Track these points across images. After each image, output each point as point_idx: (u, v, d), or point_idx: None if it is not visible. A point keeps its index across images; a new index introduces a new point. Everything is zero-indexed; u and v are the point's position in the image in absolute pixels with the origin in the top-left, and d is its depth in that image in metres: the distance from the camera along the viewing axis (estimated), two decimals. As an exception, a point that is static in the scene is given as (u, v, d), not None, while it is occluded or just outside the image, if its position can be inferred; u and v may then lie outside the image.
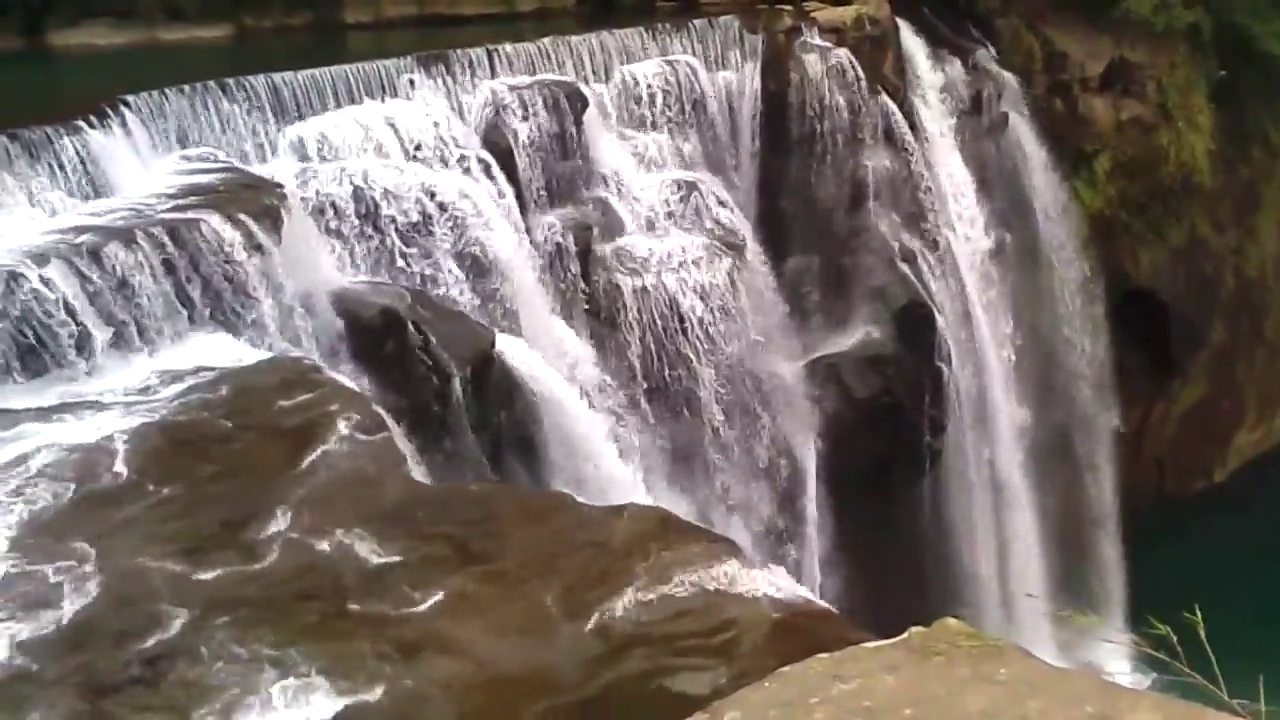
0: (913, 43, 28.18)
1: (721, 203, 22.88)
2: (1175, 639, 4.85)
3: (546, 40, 22.40)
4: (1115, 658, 21.99)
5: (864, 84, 25.31)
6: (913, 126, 26.92)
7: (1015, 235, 29.60)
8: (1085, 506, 32.15)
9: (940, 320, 26.45)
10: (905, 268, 26.00)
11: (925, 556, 27.02)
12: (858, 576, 24.07)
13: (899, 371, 25.72)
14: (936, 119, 28.38)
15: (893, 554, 25.64)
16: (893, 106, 26.32)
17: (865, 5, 26.47)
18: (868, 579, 24.00)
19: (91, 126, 15.76)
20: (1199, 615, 4.87)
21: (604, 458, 16.88)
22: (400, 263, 17.50)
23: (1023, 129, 30.09)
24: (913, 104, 27.43)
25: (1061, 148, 30.82)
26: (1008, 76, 29.94)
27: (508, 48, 21.52)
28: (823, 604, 9.13)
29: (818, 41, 25.19)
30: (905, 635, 5.45)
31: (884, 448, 25.60)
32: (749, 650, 8.00)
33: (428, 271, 17.61)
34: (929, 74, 28.56)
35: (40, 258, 12.86)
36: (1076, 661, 22.72)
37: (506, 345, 16.96)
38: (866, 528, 24.75)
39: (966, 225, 28.36)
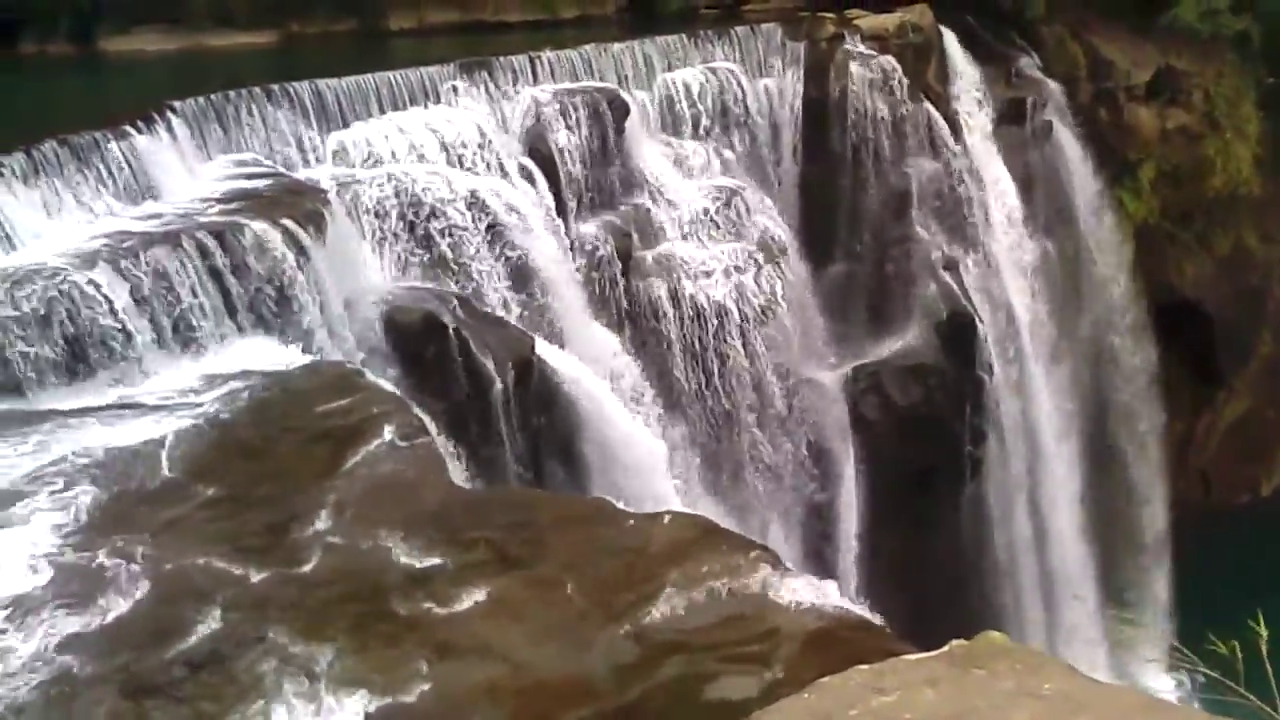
0: (956, 50, 28.01)
1: (762, 210, 22.86)
2: (1235, 656, 4.78)
3: (588, 47, 22.47)
4: (1161, 673, 21.75)
5: (907, 91, 25.20)
6: (956, 134, 26.75)
7: (1058, 244, 29.34)
8: (1129, 519, 31.79)
9: (982, 329, 26.26)
10: (947, 276, 25.84)
11: (965, 567, 26.80)
12: (896, 586, 23.89)
13: (940, 380, 25.54)
14: (980, 127, 28.19)
15: (932, 564, 25.45)
16: (936, 114, 26.19)
17: (909, 13, 26.37)
18: (907, 589, 23.83)
19: (139, 131, 15.94)
20: (1262, 628, 4.78)
21: (643, 464, 16.86)
22: (442, 268, 17.57)
23: (1066, 137, 29.83)
24: (956, 112, 27.26)
25: (1106, 156, 30.51)
26: (1052, 84, 29.69)
27: (550, 54, 21.62)
28: (862, 614, 9.06)
29: (861, 49, 25.11)
30: (946, 648, 5.40)
31: (924, 457, 25.42)
32: (787, 659, 7.96)
33: (469, 277, 17.68)
34: (972, 82, 28.37)
35: (88, 261, 13.03)
36: (1121, 677, 22.50)
37: (546, 351, 17.01)
38: (906, 537, 24.59)
39: (1009, 234, 28.12)
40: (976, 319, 26.16)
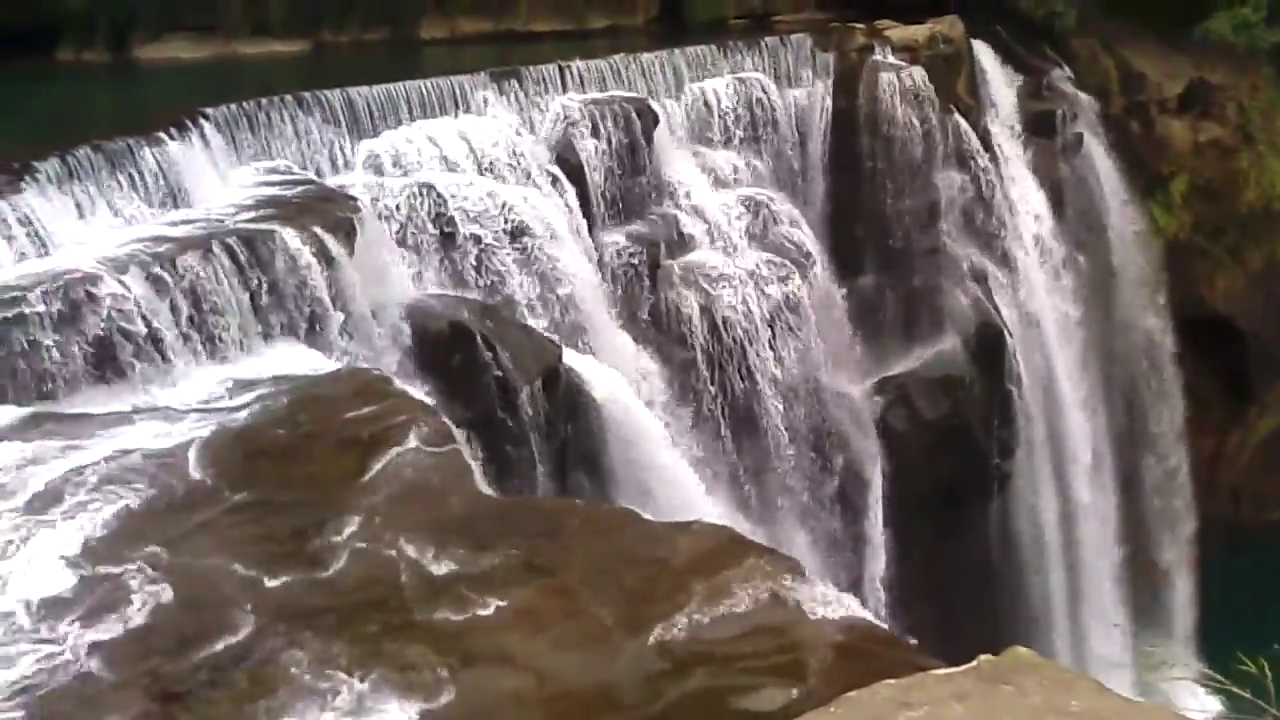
0: (987, 62, 27.95)
1: (791, 220, 22.84)
2: (1264, 674, 4.72)
3: (618, 57, 22.56)
4: (1188, 691, 21.51)
5: (937, 103, 25.12)
6: (986, 146, 26.66)
7: (1088, 257, 29.17)
8: (1158, 534, 31.52)
9: (1011, 341, 26.13)
10: (976, 288, 25.74)
11: (992, 582, 26.65)
12: (922, 600, 23.78)
13: (968, 393, 25.43)
14: (1010, 139, 28.11)
15: (959, 578, 25.31)
16: (966, 126, 26.11)
17: (939, 24, 26.30)
18: (933, 603, 23.71)
19: (171, 138, 16.09)
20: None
21: (669, 473, 16.85)
22: (470, 276, 17.65)
23: (1097, 150, 29.68)
24: (986, 124, 27.18)
25: (1137, 170, 30.35)
26: (1083, 97, 29.57)
27: (579, 64, 21.70)
28: (888, 628, 9.01)
29: (891, 60, 25.06)
30: (974, 663, 5.36)
31: (952, 470, 25.29)
32: (813, 673, 7.91)
33: (497, 285, 17.73)
34: (1003, 94, 28.31)
35: (120, 266, 13.14)
36: (1148, 694, 22.26)
37: (573, 359, 17.03)
38: (932, 551, 24.47)
39: (1039, 246, 28.00)
40: (1005, 331, 26.04)
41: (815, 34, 25.39)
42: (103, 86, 26.01)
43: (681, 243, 21.45)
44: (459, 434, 11.65)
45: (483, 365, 15.90)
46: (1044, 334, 27.72)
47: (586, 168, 20.18)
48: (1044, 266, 28.07)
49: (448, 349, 15.82)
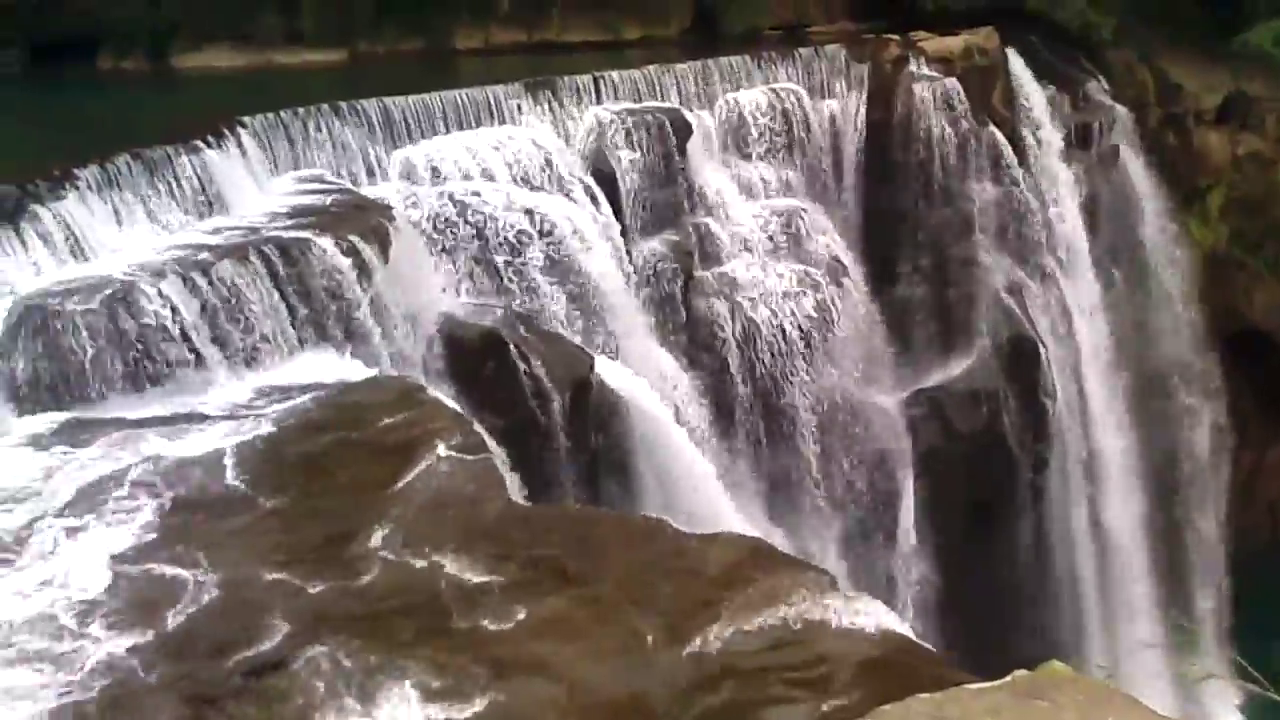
0: (1022, 74, 27.76)
1: (823, 231, 22.80)
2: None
3: (652, 67, 22.58)
4: (1224, 707, 21.30)
5: (971, 114, 25.01)
6: (1021, 158, 26.49)
7: (1124, 270, 28.93)
8: (1193, 551, 31.16)
9: (1045, 354, 25.94)
10: (1011, 300, 25.58)
11: (1024, 596, 26.42)
12: (954, 613, 23.63)
13: (1002, 406, 25.25)
14: (1045, 151, 27.90)
15: (991, 592, 25.13)
16: (1001, 137, 25.96)
17: (974, 35, 26.18)
18: (964, 616, 23.56)
19: (209, 146, 16.23)
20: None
21: (700, 484, 16.82)
22: (503, 285, 17.70)
23: (1134, 163, 29.44)
24: (1021, 135, 27.01)
25: (1174, 182, 30.04)
26: (1119, 109, 29.33)
27: (613, 74, 21.74)
28: (919, 641, 8.96)
29: (925, 71, 24.96)
30: (1009, 678, 5.33)
31: (985, 483, 25.12)
32: (844, 685, 7.88)
33: (530, 294, 17.78)
34: (1038, 105, 28.10)
35: (157, 272, 13.25)
36: (1183, 708, 22.07)
37: (605, 369, 17.04)
38: (964, 564, 24.30)
39: (1074, 259, 27.79)
40: (1040, 344, 25.86)
41: (850, 45, 25.32)
42: (142, 95, 26.28)
43: (714, 253, 21.44)
44: (491, 442, 11.66)
45: (515, 374, 15.94)
46: (1078, 347, 27.50)
47: (620, 178, 20.21)
48: (1079, 279, 27.87)
49: (480, 358, 15.88)
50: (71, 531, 9.89)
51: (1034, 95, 27.92)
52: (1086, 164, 28.36)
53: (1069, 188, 27.95)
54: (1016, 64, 27.46)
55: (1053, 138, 28.03)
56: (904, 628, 8.94)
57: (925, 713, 4.98)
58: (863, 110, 24.43)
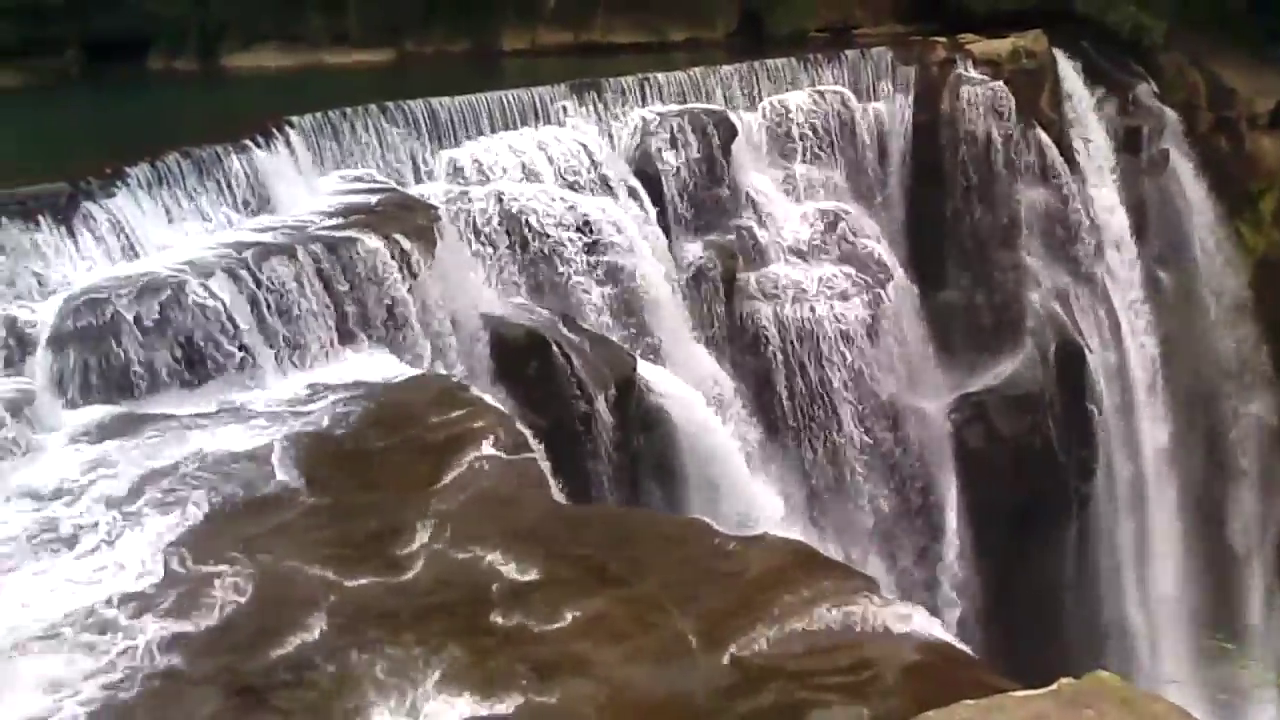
0: (1071, 77, 27.54)
1: (869, 234, 22.69)
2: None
3: (697, 69, 22.60)
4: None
5: (1019, 118, 24.84)
6: (1069, 162, 26.27)
7: (1173, 276, 28.62)
8: (1238, 560, 30.75)
9: (1092, 360, 25.71)
10: (1057, 305, 25.37)
11: (1068, 603, 26.19)
12: (996, 620, 23.46)
13: (1048, 412, 25.04)
14: (1093, 155, 27.66)
15: (1034, 599, 24.92)
16: (1048, 141, 25.77)
17: (1023, 38, 26.01)
18: (1007, 623, 23.38)
19: (258, 145, 16.34)
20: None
21: (742, 486, 16.79)
22: (547, 285, 17.75)
23: (1184, 167, 29.12)
24: (1069, 139, 26.79)
25: (1225, 187, 29.68)
26: (1169, 113, 29.01)
27: (659, 76, 21.77)
28: (963, 647, 8.89)
29: (972, 74, 24.83)
30: (1054, 686, 5.27)
31: (1029, 490, 24.91)
32: (887, 691, 7.83)
33: (574, 295, 17.82)
34: (1087, 109, 27.87)
35: (206, 270, 13.37)
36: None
37: (648, 370, 17.04)
38: (1008, 571, 24.12)
39: (1122, 264, 27.53)
40: (1086, 349, 25.64)
41: (896, 47, 25.22)
42: (191, 94, 26.59)
43: (758, 255, 21.41)
44: (534, 442, 11.70)
45: (558, 374, 15.97)
46: (1125, 353, 27.24)
47: (664, 179, 20.22)
48: (1127, 284, 27.60)
49: (524, 357, 15.92)
50: (119, 524, 10.00)
51: (1082, 99, 27.69)
52: (1135, 168, 28.08)
53: (1117, 192, 27.68)
54: (1065, 67, 27.25)
55: (1101, 142, 27.78)
56: (947, 633, 8.88)
57: (970, 719, 4.94)
58: (909, 113, 24.33)
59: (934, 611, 21.31)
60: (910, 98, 24.37)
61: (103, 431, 11.74)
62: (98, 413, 12.09)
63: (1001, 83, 24.73)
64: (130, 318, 12.58)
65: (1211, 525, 29.54)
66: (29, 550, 9.73)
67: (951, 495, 23.56)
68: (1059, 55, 26.95)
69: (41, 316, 12.63)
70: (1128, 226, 27.63)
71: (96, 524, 10.03)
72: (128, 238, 14.05)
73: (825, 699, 7.73)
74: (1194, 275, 29.26)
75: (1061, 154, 26.02)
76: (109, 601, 9.00)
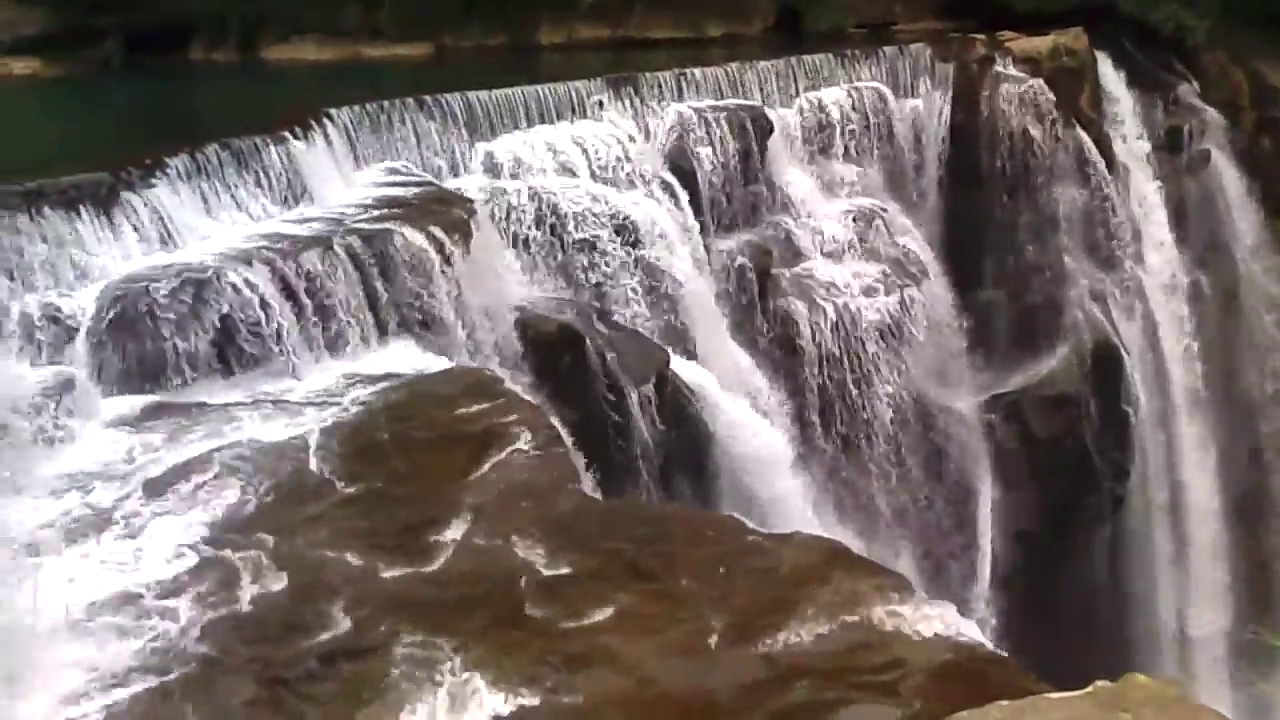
0: (1111, 75, 27.32)
1: (904, 232, 22.59)
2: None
3: (734, 65, 22.52)
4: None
5: (1058, 117, 24.66)
6: (1108, 161, 26.05)
7: (1213, 278, 28.32)
8: (1278, 568, 30.43)
9: (1129, 362, 25.50)
10: (1094, 306, 25.18)
11: (1101, 606, 26.00)
12: (1029, 620, 23.31)
13: (1083, 413, 24.87)
14: (1133, 155, 27.45)
15: (1067, 601, 24.77)
16: (1087, 140, 25.56)
17: (1062, 36, 25.80)
18: (1039, 624, 23.23)
19: (296, 137, 16.42)
20: None
21: (774, 484, 16.76)
22: (581, 280, 17.76)
23: (1225, 167, 28.79)
24: (1109, 138, 26.57)
25: (1268, 187, 29.32)
26: (1211, 112, 28.70)
27: (696, 71, 21.72)
28: (995, 648, 8.84)
29: (1011, 72, 24.66)
30: (1090, 688, 5.23)
31: (1063, 491, 24.75)
32: (918, 691, 7.78)
33: (607, 289, 17.82)
34: (1127, 108, 27.65)
35: (243, 260, 13.47)
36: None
37: (681, 366, 17.02)
38: (1041, 572, 23.98)
39: (1161, 265, 27.29)
40: (1123, 351, 25.43)
41: (934, 44, 25.06)
42: (231, 86, 26.78)
43: (793, 252, 21.34)
44: (566, 436, 11.72)
45: (591, 369, 15.98)
46: (1163, 356, 27.01)
47: (700, 175, 20.18)
48: (1165, 286, 27.35)
49: (557, 351, 15.93)
50: (155, 512, 10.09)
51: (1123, 98, 27.47)
52: (1176, 168, 27.83)
53: (1157, 193, 27.45)
54: (1105, 66, 27.03)
55: (1141, 141, 27.56)
56: (979, 634, 8.83)
57: (1003, 720, 4.92)
58: (947, 110, 24.18)
59: (965, 611, 21.23)
60: (948, 95, 24.22)
61: (140, 419, 11.86)
62: (136, 401, 12.22)
63: (1041, 81, 24.55)
64: (169, 307, 12.69)
65: (1250, 529, 29.23)
66: (67, 535, 9.82)
67: (985, 495, 23.43)
68: (1099, 54, 26.72)
69: (81, 305, 12.77)
70: (1168, 227, 27.38)
71: (133, 511, 10.13)
72: (166, 228, 14.17)
73: (856, 698, 7.70)
74: (1235, 277, 28.93)
75: (1101, 153, 25.80)
76: (144, 587, 9.09)
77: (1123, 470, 25.80)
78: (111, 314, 12.59)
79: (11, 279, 12.80)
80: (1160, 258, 27.26)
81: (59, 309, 12.71)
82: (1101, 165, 25.74)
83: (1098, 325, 25.22)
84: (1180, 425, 27.21)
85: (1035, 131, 24.31)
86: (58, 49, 27.60)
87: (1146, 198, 27.20)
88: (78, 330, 12.59)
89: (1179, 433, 27.20)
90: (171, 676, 8.14)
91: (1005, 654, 8.68)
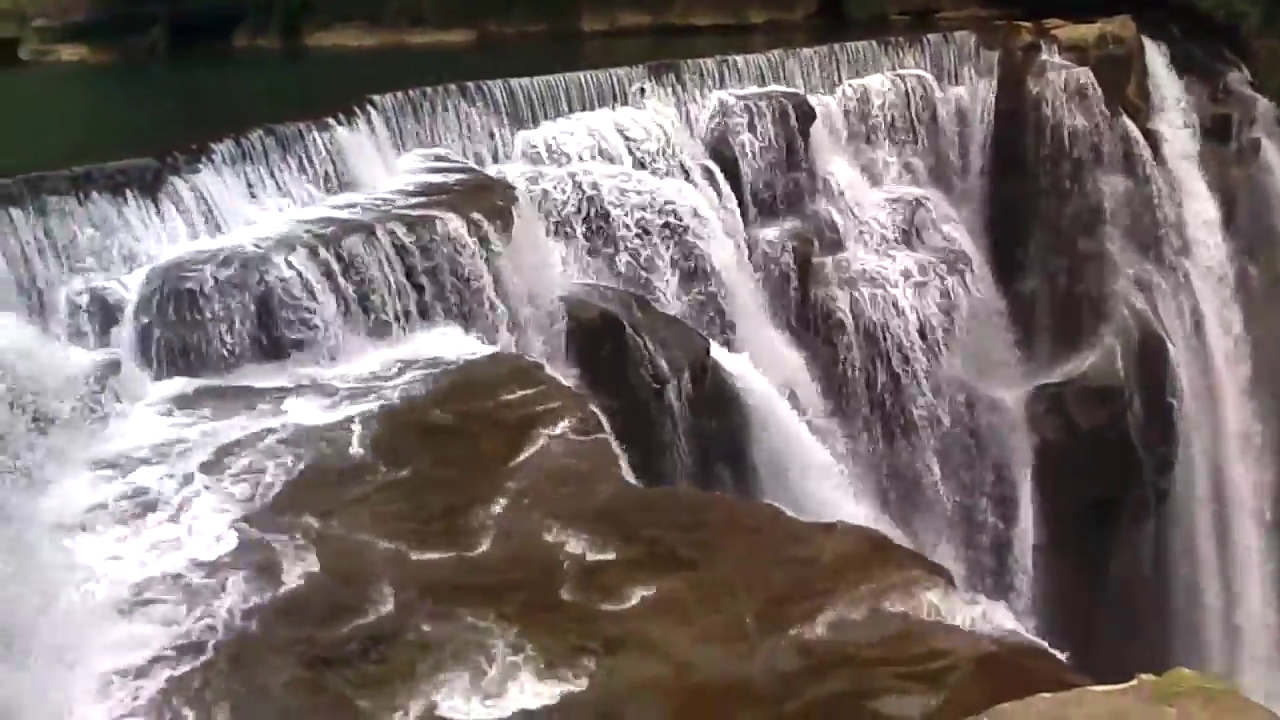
0: (1158, 63, 26.95)
1: (947, 221, 22.45)
2: None
3: (776, 52, 22.46)
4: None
5: (1104, 105, 24.39)
6: (1155, 150, 25.75)
7: (1261, 269, 27.91)
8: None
9: (1174, 353, 25.21)
10: (1139, 296, 24.92)
11: (1143, 599, 25.75)
12: (1070, 613, 23.13)
13: (1127, 405, 24.61)
14: (1181, 143, 27.07)
15: (1108, 594, 24.57)
16: (1134, 129, 25.27)
17: (1110, 23, 25.51)
18: (1080, 617, 23.04)
19: (339, 123, 16.50)
20: None
21: (814, 473, 16.69)
22: (622, 267, 17.74)
23: (1275, 157, 28.35)
24: (1156, 127, 26.24)
25: (1319, 178, 28.87)
26: (1261, 100, 28.24)
27: (738, 59, 21.66)
28: (1037, 640, 8.77)
29: (1057, 60, 24.44)
30: (1134, 682, 5.18)
31: (1106, 483, 24.52)
32: (958, 682, 7.73)
33: (648, 277, 17.80)
34: (1175, 96, 27.26)
35: (287, 246, 13.55)
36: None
37: (722, 354, 16.99)
38: (1082, 565, 23.80)
39: (1207, 255, 26.91)
40: (1168, 342, 25.14)
41: (980, 31, 24.87)
42: (275, 72, 26.94)
43: (835, 240, 21.27)
44: (606, 423, 11.72)
45: (631, 356, 15.97)
46: (1209, 348, 26.66)
47: (741, 162, 20.14)
48: (1212, 277, 26.99)
49: (597, 339, 15.94)
50: (200, 493, 10.20)
51: (1170, 86, 27.09)
52: (1224, 157, 27.43)
53: (1204, 182, 27.08)
54: (1153, 53, 26.68)
55: (1189, 130, 27.17)
56: (1018, 625, 8.76)
57: (1047, 712, 4.87)
58: (991, 98, 24.01)
59: (1006, 602, 21.08)
60: (993, 83, 24.04)
61: (185, 402, 11.98)
62: (180, 384, 12.35)
63: (1087, 69, 24.32)
64: (214, 292, 12.80)
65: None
66: (114, 516, 9.95)
67: (1026, 487, 23.27)
68: (1147, 41, 26.38)
69: (128, 289, 12.89)
70: (1215, 217, 27.00)
71: (178, 492, 10.23)
72: (211, 212, 14.28)
73: (896, 687, 7.67)
74: (1283, 268, 28.53)
75: (1147, 142, 25.50)
76: (189, 568, 9.20)
77: (1167, 462, 25.53)
78: (158, 298, 12.71)
79: (60, 263, 12.94)
80: (1207, 247, 26.90)
81: (106, 293, 12.85)
82: (1148, 154, 25.45)
83: (1143, 316, 24.95)
84: (1227, 417, 26.87)
85: (1081, 120, 24.07)
86: (105, 35, 27.93)
87: (1194, 187, 26.83)
88: (124, 314, 12.72)
89: (1225, 424, 26.86)
90: (214, 656, 8.23)
91: (1046, 647, 8.62)
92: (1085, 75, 24.22)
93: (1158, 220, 25.61)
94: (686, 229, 18.17)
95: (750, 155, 20.20)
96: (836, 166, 21.89)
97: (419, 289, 14.01)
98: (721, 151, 20.12)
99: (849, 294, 20.63)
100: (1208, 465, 26.66)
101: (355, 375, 12.61)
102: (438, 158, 17.57)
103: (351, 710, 7.76)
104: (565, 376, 13.46)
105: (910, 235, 21.85)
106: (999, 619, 8.47)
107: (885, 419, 20.93)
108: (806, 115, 21.08)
